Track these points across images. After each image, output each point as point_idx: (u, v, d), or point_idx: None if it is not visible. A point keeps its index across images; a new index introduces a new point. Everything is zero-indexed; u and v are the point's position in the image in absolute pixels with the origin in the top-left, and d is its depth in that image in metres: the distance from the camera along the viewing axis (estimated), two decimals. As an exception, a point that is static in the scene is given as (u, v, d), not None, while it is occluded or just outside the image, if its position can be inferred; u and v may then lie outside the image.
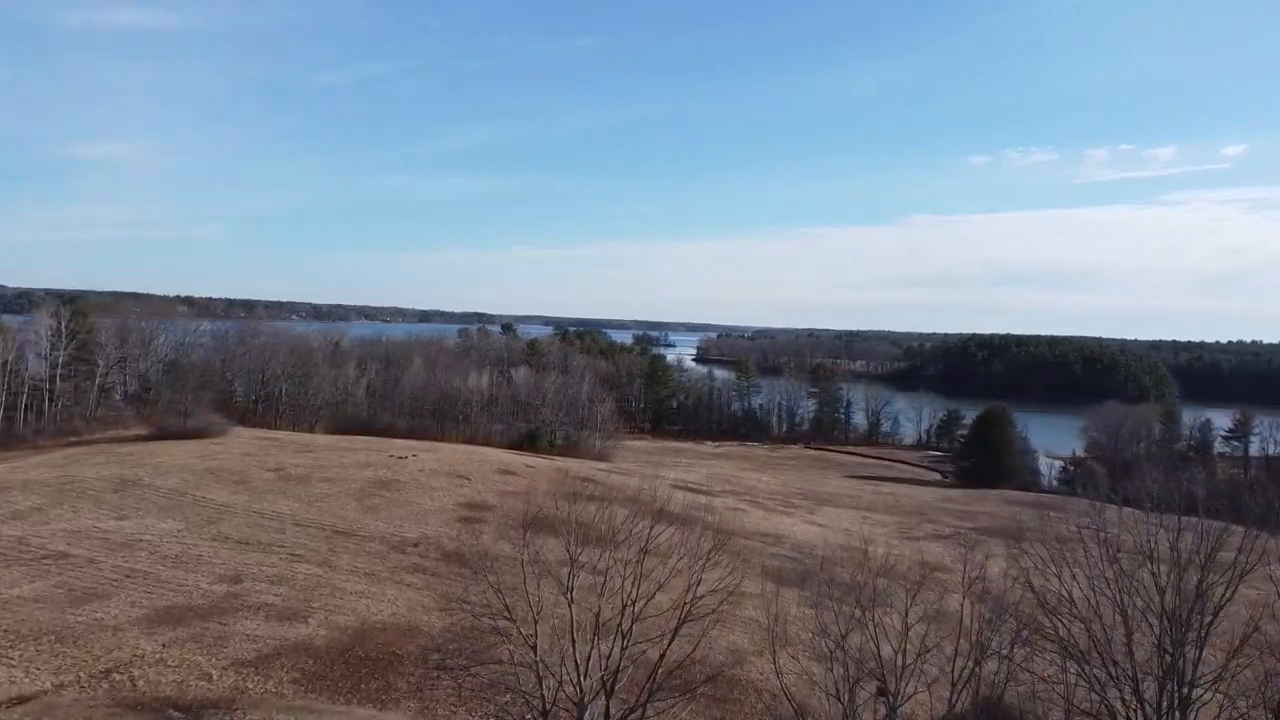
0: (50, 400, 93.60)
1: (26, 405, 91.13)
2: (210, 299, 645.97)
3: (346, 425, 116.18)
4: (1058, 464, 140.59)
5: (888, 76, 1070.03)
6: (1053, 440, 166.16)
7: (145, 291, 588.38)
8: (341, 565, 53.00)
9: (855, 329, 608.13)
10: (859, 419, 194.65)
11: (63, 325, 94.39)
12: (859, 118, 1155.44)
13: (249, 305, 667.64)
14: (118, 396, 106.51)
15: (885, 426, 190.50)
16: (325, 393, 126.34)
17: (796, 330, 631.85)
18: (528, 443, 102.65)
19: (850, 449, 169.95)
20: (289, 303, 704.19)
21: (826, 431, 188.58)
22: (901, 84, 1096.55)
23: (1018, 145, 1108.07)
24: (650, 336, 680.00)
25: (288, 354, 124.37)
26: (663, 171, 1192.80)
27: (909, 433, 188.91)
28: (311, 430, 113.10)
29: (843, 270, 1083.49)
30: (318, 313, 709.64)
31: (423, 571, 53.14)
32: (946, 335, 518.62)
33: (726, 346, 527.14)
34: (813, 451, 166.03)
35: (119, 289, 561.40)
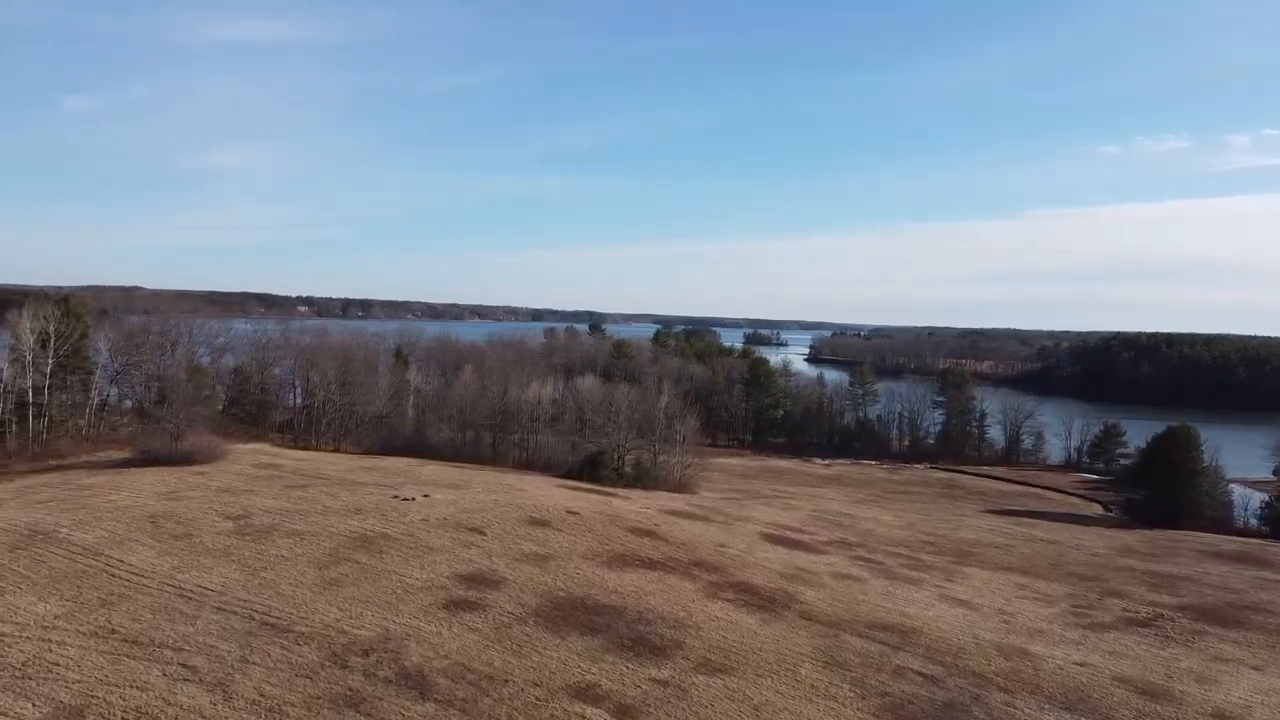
0: (36, 417, 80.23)
1: (4, 422, 77.81)
2: (330, 299, 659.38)
3: (390, 444, 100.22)
4: (1258, 496, 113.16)
5: (1008, 65, 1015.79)
6: (1231, 460, 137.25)
7: (268, 292, 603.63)
8: (243, 689, 35.25)
9: (979, 326, 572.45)
10: (994, 433, 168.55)
11: (51, 328, 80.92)
12: (977, 108, 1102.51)
13: (366, 305, 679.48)
14: (128, 409, 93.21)
15: (1026, 442, 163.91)
16: (375, 404, 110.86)
17: (916, 329, 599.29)
18: (588, 472, 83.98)
19: (985, 470, 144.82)
20: (404, 302, 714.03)
21: (956, 448, 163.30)
22: (1022, 72, 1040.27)
23: (1149, 133, 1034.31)
24: (762, 335, 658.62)
25: (330, 359, 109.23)
26: (774, 167, 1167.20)
27: (1055, 450, 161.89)
28: (338, 449, 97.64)
29: (961, 265, 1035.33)
30: (432, 311, 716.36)
31: (357, 707, 34.88)
32: (1082, 334, 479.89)
33: (841, 346, 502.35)
34: (941, 473, 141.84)
35: (247, 290, 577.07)
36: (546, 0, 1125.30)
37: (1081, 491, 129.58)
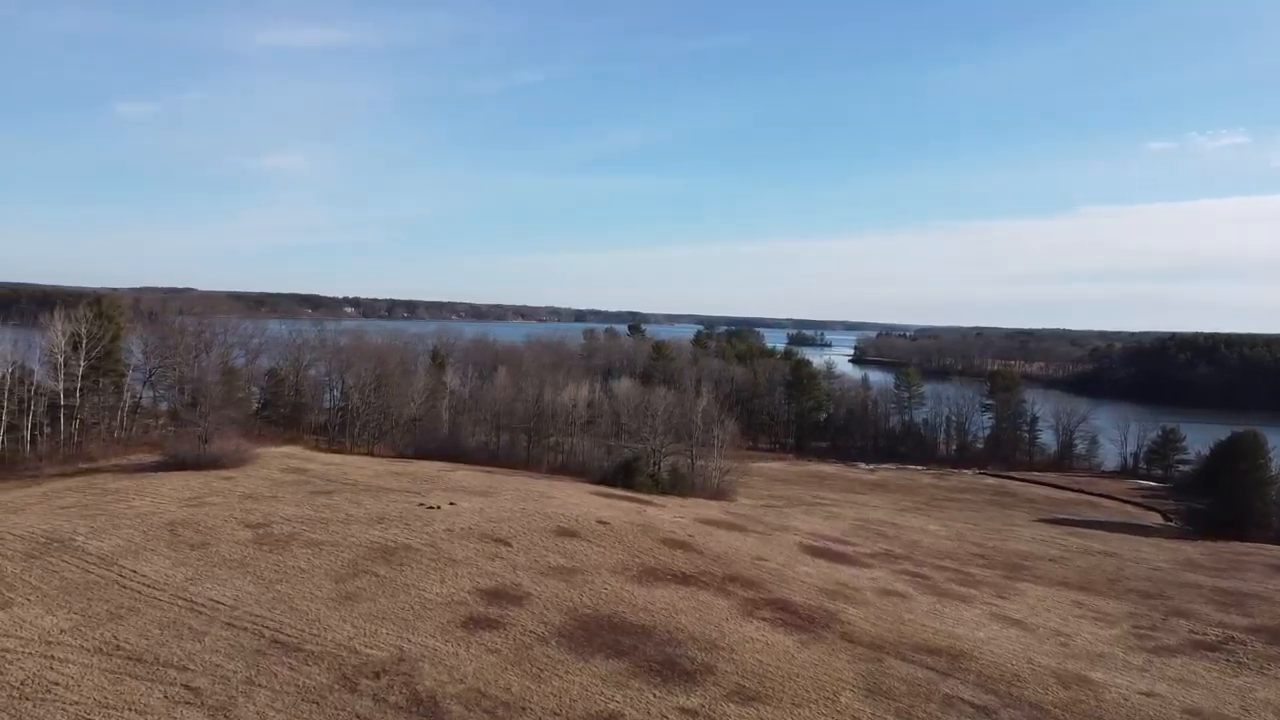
0: (67, 419, 79.73)
1: (35, 425, 77.30)
2: (375, 299, 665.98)
3: (424, 446, 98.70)
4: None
5: (1056, 62, 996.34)
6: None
7: (315, 293, 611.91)
8: (245, 714, 33.33)
9: (1028, 327, 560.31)
10: (1045, 437, 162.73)
11: (83, 329, 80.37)
12: (1025, 106, 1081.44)
13: (411, 305, 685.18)
14: (162, 411, 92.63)
15: (1079, 447, 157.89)
16: (409, 406, 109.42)
17: (963, 329, 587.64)
18: (622, 477, 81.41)
19: (1037, 476, 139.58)
20: (449, 303, 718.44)
21: (1005, 452, 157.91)
22: (1072, 69, 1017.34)
23: (1204, 129, 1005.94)
24: (805, 335, 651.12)
25: (366, 361, 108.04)
26: (818, 167, 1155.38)
27: (1110, 456, 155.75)
28: (371, 452, 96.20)
29: (1009, 264, 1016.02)
30: (476, 312, 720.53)
31: (364, 736, 32.74)
32: (1136, 334, 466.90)
33: (886, 346, 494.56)
34: (991, 479, 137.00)
35: (295, 291, 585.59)
36: (588, 2, 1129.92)
37: (1138, 499, 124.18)
